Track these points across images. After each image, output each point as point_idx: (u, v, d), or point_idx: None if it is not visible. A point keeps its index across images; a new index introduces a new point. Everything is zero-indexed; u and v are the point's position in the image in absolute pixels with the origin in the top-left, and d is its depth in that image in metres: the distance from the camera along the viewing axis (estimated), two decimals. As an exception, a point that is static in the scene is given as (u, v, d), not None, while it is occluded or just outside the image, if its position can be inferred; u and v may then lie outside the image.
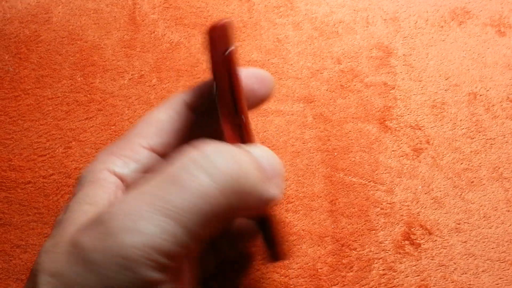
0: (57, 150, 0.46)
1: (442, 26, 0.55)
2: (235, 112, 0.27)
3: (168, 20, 0.52)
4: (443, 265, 0.44)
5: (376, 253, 0.44)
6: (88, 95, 0.48)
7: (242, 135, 0.27)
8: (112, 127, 0.47)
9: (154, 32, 0.52)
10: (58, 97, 0.48)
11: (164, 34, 0.52)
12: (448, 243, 0.45)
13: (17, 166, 0.45)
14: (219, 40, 0.24)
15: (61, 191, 0.44)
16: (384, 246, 0.45)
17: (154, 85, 0.49)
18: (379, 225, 0.45)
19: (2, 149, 0.46)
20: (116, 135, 0.47)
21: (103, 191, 0.26)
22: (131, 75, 0.49)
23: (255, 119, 0.48)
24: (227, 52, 0.25)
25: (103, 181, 0.27)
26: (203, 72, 0.50)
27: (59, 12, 0.52)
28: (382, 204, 0.46)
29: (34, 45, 0.50)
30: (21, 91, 0.48)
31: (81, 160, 0.46)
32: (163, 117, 0.30)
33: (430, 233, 0.45)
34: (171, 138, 0.30)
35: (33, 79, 0.48)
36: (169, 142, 0.30)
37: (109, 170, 0.28)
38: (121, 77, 0.49)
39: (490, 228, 0.46)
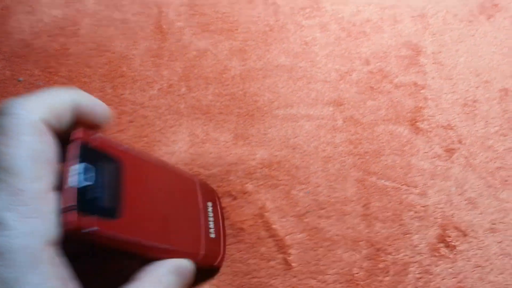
0: (92, 164, 0.47)
1: (471, 21, 0.54)
2: None
3: (194, 27, 0.52)
4: (479, 266, 0.44)
5: (411, 257, 0.44)
6: (119, 107, 0.49)
7: None
8: (144, 139, 0.48)
9: (181, 40, 0.52)
10: (90, 110, 0.48)
11: (191, 42, 0.52)
12: (483, 244, 0.45)
13: (55, 181, 0.46)
14: None
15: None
16: (419, 249, 0.45)
17: (183, 94, 0.49)
18: (414, 229, 0.45)
19: (39, 164, 0.46)
20: (148, 146, 0.47)
21: None
22: (160, 85, 0.50)
23: (285, 125, 0.48)
24: None
25: None
26: (231, 79, 0.50)
27: (86, 24, 0.52)
28: (415, 207, 0.46)
29: (63, 58, 0.51)
30: (53, 105, 0.48)
31: (116, 173, 0.46)
32: (43, 148, 0.26)
33: (465, 235, 0.45)
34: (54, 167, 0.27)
35: (64, 93, 0.49)
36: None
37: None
38: (150, 87, 0.50)
39: (526, 227, 0.46)
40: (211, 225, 0.39)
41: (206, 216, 0.39)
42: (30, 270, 0.23)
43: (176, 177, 0.37)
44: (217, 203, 0.42)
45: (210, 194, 0.41)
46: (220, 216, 0.41)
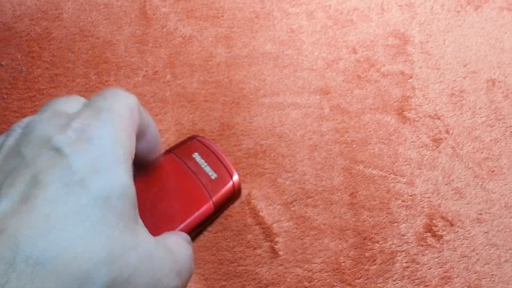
0: (74, 151, 0.46)
1: (458, 11, 0.54)
2: None
3: (179, 13, 0.51)
4: (465, 256, 0.44)
5: (398, 246, 0.44)
6: (103, 93, 0.48)
7: None
8: (128, 125, 0.47)
9: (166, 26, 0.51)
10: (73, 96, 0.47)
11: (176, 28, 0.51)
12: (470, 234, 0.45)
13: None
14: None
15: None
16: (406, 238, 0.44)
17: (168, 82, 0.48)
18: (401, 218, 0.45)
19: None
20: (132, 133, 0.46)
21: None
22: (145, 71, 0.49)
23: (271, 114, 0.48)
24: None
25: None
26: (217, 66, 0.49)
27: (69, 8, 0.51)
28: (403, 196, 0.46)
29: (46, 42, 0.49)
30: (36, 91, 0.47)
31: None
32: None
33: (451, 225, 0.45)
34: None
35: (47, 78, 0.48)
36: None
37: None
38: (135, 74, 0.49)
39: None
40: (207, 169, 0.39)
41: (198, 166, 0.39)
42: None
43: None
44: (204, 145, 0.41)
45: (191, 147, 0.41)
46: (213, 153, 0.40)
